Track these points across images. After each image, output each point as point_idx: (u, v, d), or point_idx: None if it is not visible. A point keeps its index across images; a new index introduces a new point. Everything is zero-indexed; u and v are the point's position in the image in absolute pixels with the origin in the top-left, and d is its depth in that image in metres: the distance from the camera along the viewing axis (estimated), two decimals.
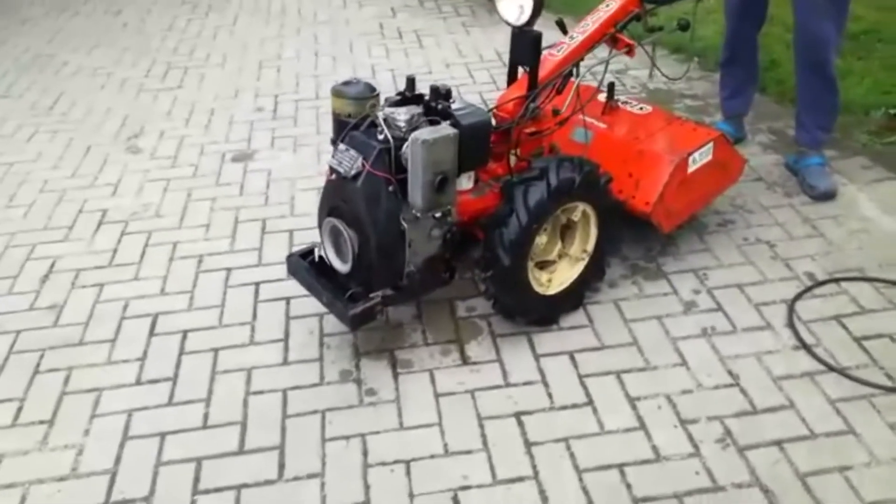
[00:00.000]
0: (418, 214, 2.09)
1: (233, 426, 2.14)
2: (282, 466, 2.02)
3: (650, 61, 2.76)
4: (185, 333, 2.47)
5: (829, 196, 3.02)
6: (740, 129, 3.43)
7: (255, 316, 2.53)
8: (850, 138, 3.41)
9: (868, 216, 2.93)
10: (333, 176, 2.16)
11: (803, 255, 2.73)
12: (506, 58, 2.57)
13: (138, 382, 2.29)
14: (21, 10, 5.49)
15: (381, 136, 2.08)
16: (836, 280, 2.60)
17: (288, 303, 2.57)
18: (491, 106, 2.40)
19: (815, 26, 2.85)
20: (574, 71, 2.44)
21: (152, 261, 2.82)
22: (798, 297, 2.53)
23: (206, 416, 2.17)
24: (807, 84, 3.03)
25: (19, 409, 2.21)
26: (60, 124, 3.88)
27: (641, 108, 2.79)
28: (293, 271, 2.39)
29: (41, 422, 2.17)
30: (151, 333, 2.48)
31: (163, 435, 2.11)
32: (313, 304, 2.39)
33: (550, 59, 2.39)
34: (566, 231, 2.42)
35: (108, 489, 1.97)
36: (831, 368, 2.25)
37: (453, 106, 2.16)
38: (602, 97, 2.75)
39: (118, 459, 2.05)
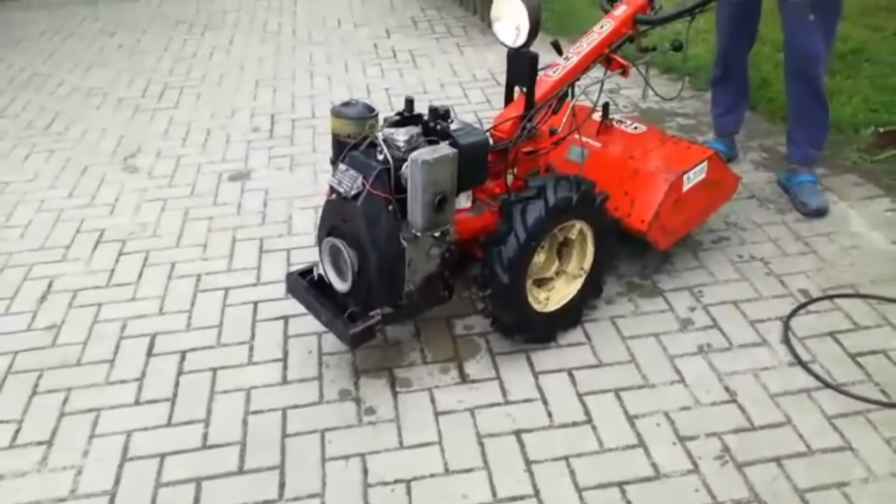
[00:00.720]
0: (418, 233, 2.11)
1: (232, 446, 2.14)
2: (282, 486, 2.02)
3: (643, 81, 2.81)
4: (183, 353, 2.47)
5: (820, 213, 3.06)
6: (732, 147, 3.47)
7: (253, 335, 2.54)
8: (841, 156, 3.45)
9: (859, 233, 2.96)
10: (333, 195, 2.17)
11: (797, 271, 2.76)
12: (500, 77, 2.61)
13: (137, 403, 2.29)
14: (16, 30, 5.51)
15: (380, 157, 2.11)
16: (830, 297, 2.63)
17: (286, 322, 2.58)
18: (487, 126, 2.42)
19: (805, 42, 2.90)
20: (569, 91, 2.47)
21: (150, 280, 2.83)
22: (793, 313, 2.56)
23: (205, 436, 2.17)
24: (797, 100, 3.07)
25: (17, 431, 2.21)
26: (57, 144, 3.89)
27: (636, 128, 2.83)
28: (292, 290, 2.40)
29: (39, 443, 2.16)
30: (150, 353, 2.48)
31: (162, 455, 2.11)
32: (312, 323, 2.40)
33: (546, 79, 2.42)
34: (563, 249, 2.44)
35: None
36: (827, 385, 2.27)
37: (452, 126, 2.18)
38: (597, 117, 2.78)
39: (117, 480, 2.04)
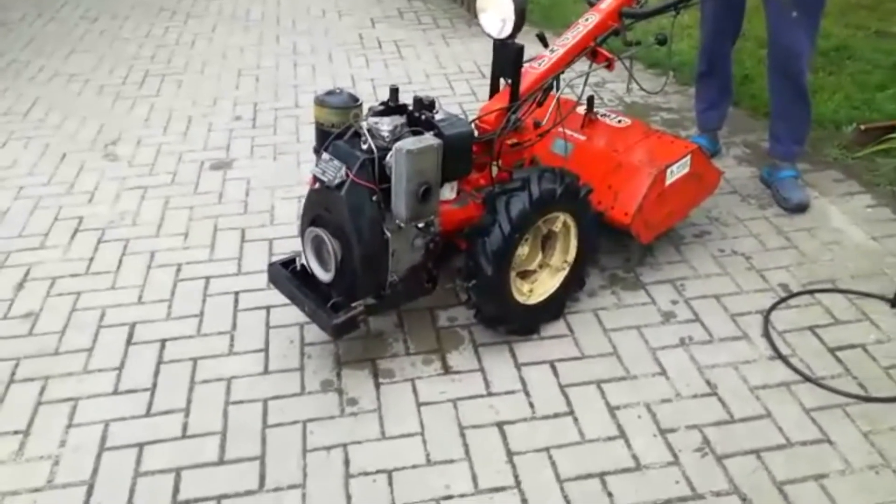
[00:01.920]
0: (401, 224, 2.10)
1: (212, 436, 2.12)
2: (262, 477, 2.00)
3: (628, 75, 2.81)
4: (163, 343, 2.45)
5: (801, 208, 3.08)
6: (715, 142, 3.49)
7: (234, 325, 2.52)
8: (822, 152, 3.48)
9: (840, 228, 2.99)
10: (317, 185, 2.16)
11: (778, 266, 2.78)
12: (485, 69, 2.60)
13: (115, 392, 2.26)
14: None
15: (364, 146, 2.09)
16: (810, 291, 2.65)
17: (268, 312, 2.56)
18: (472, 117, 2.42)
19: (789, 38, 2.92)
20: (554, 84, 2.47)
21: (130, 269, 2.79)
22: (773, 307, 2.58)
23: (185, 427, 2.15)
24: (780, 96, 3.09)
25: None
26: (36, 130, 3.83)
27: (620, 121, 2.83)
28: (274, 280, 2.38)
29: (16, 432, 2.13)
30: (129, 342, 2.45)
31: (141, 445, 2.09)
32: (294, 314, 2.38)
33: (532, 71, 2.42)
34: (547, 242, 2.44)
35: (84, 501, 1.94)
36: (806, 378, 2.29)
37: (437, 116, 2.17)
38: (581, 110, 2.79)
39: (95, 471, 2.02)
